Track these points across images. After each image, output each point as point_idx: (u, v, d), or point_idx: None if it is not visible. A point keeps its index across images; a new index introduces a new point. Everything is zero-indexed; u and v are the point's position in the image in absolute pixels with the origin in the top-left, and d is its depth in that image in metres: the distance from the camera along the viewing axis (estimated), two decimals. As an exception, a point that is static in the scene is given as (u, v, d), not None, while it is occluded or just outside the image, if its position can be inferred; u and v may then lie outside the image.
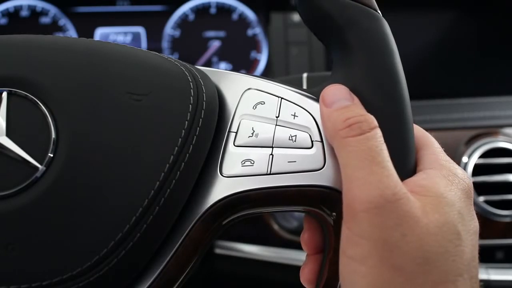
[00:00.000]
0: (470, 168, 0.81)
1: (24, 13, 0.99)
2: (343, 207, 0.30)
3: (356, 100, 0.33)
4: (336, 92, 0.33)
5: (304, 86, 0.44)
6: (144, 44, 1.01)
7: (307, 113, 0.34)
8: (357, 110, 0.32)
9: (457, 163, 0.34)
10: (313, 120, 0.34)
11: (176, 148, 0.32)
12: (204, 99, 0.33)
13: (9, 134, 0.30)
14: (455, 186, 0.31)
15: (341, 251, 0.31)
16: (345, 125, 0.31)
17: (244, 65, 1.01)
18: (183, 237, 0.32)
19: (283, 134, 0.34)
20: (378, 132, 0.31)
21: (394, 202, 0.29)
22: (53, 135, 0.31)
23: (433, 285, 0.28)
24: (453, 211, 0.30)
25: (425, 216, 0.29)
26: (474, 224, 0.31)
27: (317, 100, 0.35)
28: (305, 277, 0.37)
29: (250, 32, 1.01)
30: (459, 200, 0.31)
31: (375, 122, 0.31)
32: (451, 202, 0.30)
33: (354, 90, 0.33)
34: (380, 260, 0.28)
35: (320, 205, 0.34)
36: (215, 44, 1.01)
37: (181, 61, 0.36)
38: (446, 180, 0.31)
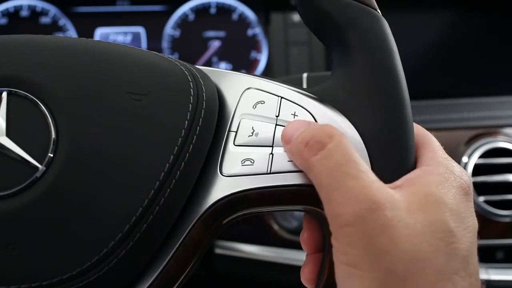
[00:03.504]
0: (470, 168, 0.81)
1: (24, 13, 0.99)
2: (328, 223, 0.30)
3: (312, 123, 0.33)
4: (292, 126, 0.33)
5: (304, 86, 0.44)
6: (144, 44, 1.01)
7: (307, 112, 0.34)
8: (312, 130, 0.31)
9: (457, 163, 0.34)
10: (313, 120, 0.34)
11: (176, 147, 0.32)
12: (204, 98, 0.33)
13: (9, 134, 0.30)
14: (449, 183, 0.31)
15: (335, 257, 0.31)
16: (305, 146, 0.31)
17: (244, 65, 1.01)
18: (183, 237, 0.32)
19: (283, 133, 0.34)
20: (341, 139, 0.30)
21: (376, 210, 0.28)
22: (53, 135, 0.31)
23: (430, 284, 0.28)
24: (442, 209, 0.30)
25: (411, 217, 0.29)
26: (472, 221, 0.31)
27: (317, 99, 0.35)
28: (306, 276, 0.37)
29: (250, 32, 1.01)
30: (452, 198, 0.30)
31: (333, 130, 0.31)
32: (441, 200, 0.30)
33: (354, 90, 0.33)
34: (373, 265, 0.28)
35: (319, 204, 0.34)
36: (215, 44, 1.01)
37: (181, 61, 0.36)
38: (441, 178, 0.31)
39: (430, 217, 0.29)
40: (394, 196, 0.29)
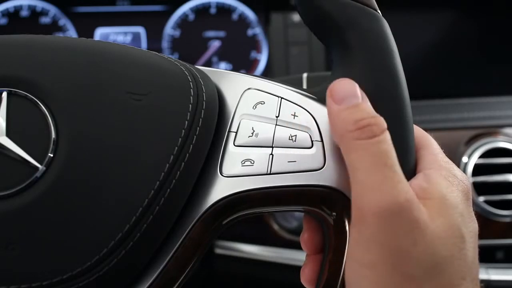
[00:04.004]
0: (470, 168, 0.81)
1: (24, 13, 0.99)
2: (352, 211, 0.30)
3: (365, 98, 0.32)
4: (346, 87, 0.32)
5: (304, 86, 0.44)
6: (144, 44, 1.01)
7: (307, 113, 0.34)
8: (368, 110, 0.31)
9: (457, 163, 0.34)
10: (313, 120, 0.34)
11: (176, 148, 0.32)
12: (204, 98, 0.33)
13: (9, 134, 0.30)
14: (455, 187, 0.31)
15: (349, 255, 0.30)
16: (356, 127, 0.30)
17: (244, 65, 1.01)
18: (183, 237, 0.32)
19: (283, 134, 0.34)
20: (388, 135, 0.30)
21: (407, 208, 0.28)
22: (53, 135, 0.31)
23: None
24: (456, 213, 0.30)
25: (432, 221, 0.29)
26: (474, 226, 0.31)
27: (317, 100, 0.35)
28: (306, 277, 0.37)
29: (250, 32, 1.01)
30: (460, 202, 0.31)
31: (385, 124, 0.30)
32: (454, 204, 0.30)
33: None
34: (391, 267, 0.28)
35: (320, 205, 0.34)
36: (215, 44, 1.01)
37: (181, 61, 0.36)
38: (447, 181, 0.31)
39: (447, 221, 0.29)
40: (416, 199, 0.29)
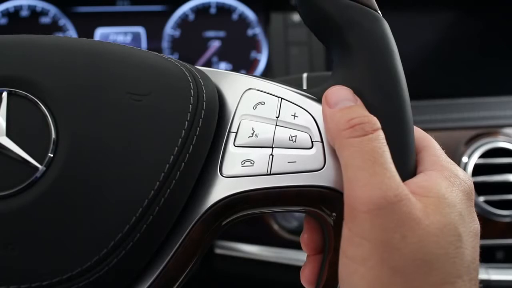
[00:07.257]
0: (470, 168, 0.81)
1: (24, 13, 0.99)
2: (344, 208, 0.30)
3: (359, 101, 0.33)
4: (340, 93, 0.33)
5: (304, 86, 0.44)
6: (144, 44, 1.01)
7: (307, 113, 0.34)
8: (361, 111, 0.32)
9: (457, 163, 0.34)
10: (313, 121, 0.34)
11: (176, 148, 0.32)
12: (204, 99, 0.33)
13: (9, 134, 0.30)
14: (456, 187, 0.31)
15: (341, 251, 0.31)
16: (348, 125, 0.31)
17: (244, 65, 1.01)
18: (183, 237, 0.32)
19: (283, 134, 0.34)
20: (381, 134, 0.31)
21: (396, 203, 0.29)
22: (53, 135, 0.31)
23: (431, 286, 0.28)
24: (454, 212, 0.30)
25: (426, 218, 0.29)
26: (475, 226, 0.31)
27: (317, 100, 0.35)
28: (306, 277, 0.37)
29: (250, 32, 1.01)
30: (460, 202, 0.31)
31: (378, 124, 0.31)
32: (452, 203, 0.30)
33: (354, 90, 0.33)
34: (380, 262, 0.28)
35: (320, 205, 0.34)
36: (215, 44, 1.01)
37: (181, 61, 0.36)
38: (448, 181, 0.31)
39: (444, 219, 0.29)
40: (410, 195, 0.30)
